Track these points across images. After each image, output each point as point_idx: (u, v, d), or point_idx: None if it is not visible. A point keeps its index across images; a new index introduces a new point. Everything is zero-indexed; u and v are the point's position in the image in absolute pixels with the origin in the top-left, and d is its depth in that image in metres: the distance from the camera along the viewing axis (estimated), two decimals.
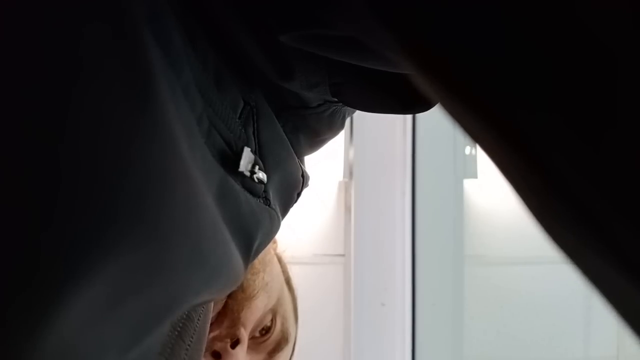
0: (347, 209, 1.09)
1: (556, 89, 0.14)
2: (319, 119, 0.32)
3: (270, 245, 0.61)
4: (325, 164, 1.10)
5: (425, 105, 0.30)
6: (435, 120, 1.10)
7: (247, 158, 0.27)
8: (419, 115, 1.08)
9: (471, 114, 0.16)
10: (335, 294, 1.09)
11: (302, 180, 0.34)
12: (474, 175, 1.16)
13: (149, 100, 0.20)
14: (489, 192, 1.19)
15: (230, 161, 0.27)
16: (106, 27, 0.19)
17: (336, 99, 0.31)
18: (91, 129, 0.18)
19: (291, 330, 0.61)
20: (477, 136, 0.17)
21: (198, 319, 0.29)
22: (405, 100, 0.30)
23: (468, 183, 1.16)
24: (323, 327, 1.09)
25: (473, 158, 1.16)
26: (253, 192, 0.28)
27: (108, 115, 0.18)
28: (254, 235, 0.29)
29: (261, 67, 0.28)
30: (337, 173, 1.11)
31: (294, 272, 1.15)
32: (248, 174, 0.27)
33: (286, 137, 0.31)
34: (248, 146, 0.27)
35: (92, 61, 0.18)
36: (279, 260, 0.62)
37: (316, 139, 0.34)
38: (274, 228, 0.32)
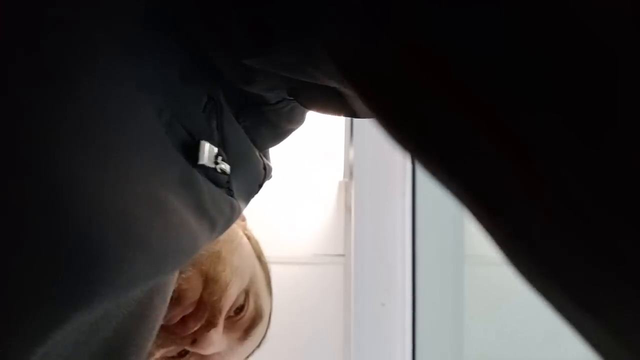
0: (347, 209, 1.09)
1: (556, 88, 0.14)
2: (279, 114, 0.34)
3: (238, 226, 0.62)
4: (325, 164, 1.11)
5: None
6: None
7: (206, 151, 0.28)
8: None
9: (471, 113, 0.16)
10: (335, 294, 1.09)
11: (264, 173, 0.36)
12: None
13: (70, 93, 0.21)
14: None
15: (192, 153, 0.28)
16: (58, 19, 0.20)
17: (293, 98, 0.32)
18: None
19: (265, 305, 0.62)
20: (475, 138, 0.17)
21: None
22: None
23: None
24: (323, 327, 1.09)
25: None
26: (217, 183, 0.30)
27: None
28: (216, 222, 0.31)
29: (224, 72, 0.29)
30: (337, 173, 1.11)
31: (294, 271, 1.15)
32: (212, 165, 0.28)
33: (247, 132, 0.32)
34: (212, 138, 0.28)
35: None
36: (249, 238, 0.63)
37: (278, 132, 0.35)
38: (234, 217, 0.33)
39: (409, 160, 1.08)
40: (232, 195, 0.32)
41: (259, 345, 0.64)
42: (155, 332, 0.34)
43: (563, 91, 0.14)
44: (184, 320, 0.54)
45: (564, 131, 0.14)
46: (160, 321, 0.35)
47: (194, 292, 0.54)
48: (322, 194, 1.11)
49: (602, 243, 0.15)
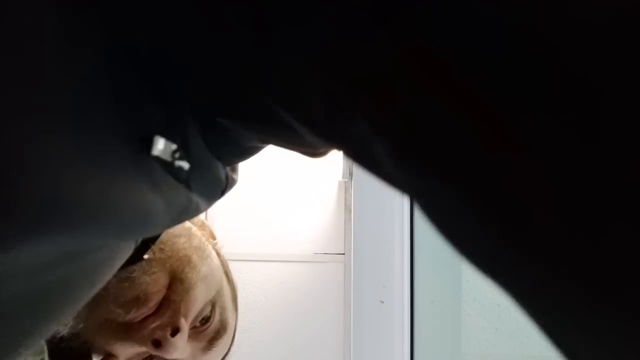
0: (347, 209, 1.10)
1: (555, 89, 0.14)
2: (245, 136, 0.33)
3: (208, 242, 0.64)
4: (325, 164, 1.11)
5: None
6: None
7: (161, 145, 0.28)
8: None
9: (471, 113, 0.16)
10: (335, 292, 1.10)
11: (225, 182, 0.36)
12: None
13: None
14: None
15: (147, 145, 0.28)
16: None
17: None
18: None
19: (230, 320, 0.63)
20: (475, 138, 0.17)
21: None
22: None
23: None
24: (323, 324, 1.10)
25: None
26: (175, 177, 0.30)
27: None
28: (171, 205, 0.31)
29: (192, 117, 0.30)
30: (337, 173, 1.12)
31: (295, 270, 1.16)
32: (169, 159, 0.29)
33: (212, 146, 0.32)
34: (171, 139, 0.29)
35: None
36: (218, 254, 0.65)
37: (242, 150, 0.35)
38: (190, 209, 0.33)
39: None
40: (189, 189, 0.32)
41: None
42: (67, 313, 0.35)
43: (562, 92, 0.14)
44: (146, 319, 0.55)
45: (563, 132, 0.14)
46: (77, 305, 0.36)
47: (159, 293, 0.55)
48: (322, 193, 1.11)
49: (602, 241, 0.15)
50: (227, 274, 0.65)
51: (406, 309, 1.06)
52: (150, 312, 0.55)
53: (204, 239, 0.63)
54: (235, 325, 0.65)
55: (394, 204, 1.07)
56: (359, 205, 1.07)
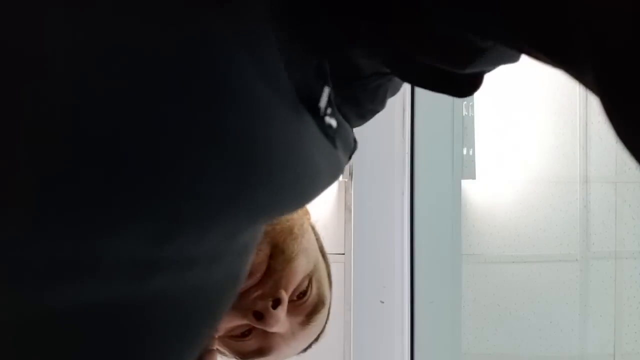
0: (347, 208, 1.09)
1: None
2: (365, 90, 0.33)
3: (304, 217, 0.63)
4: None
5: (473, 91, 0.31)
6: (434, 122, 1.10)
7: (325, 96, 0.28)
8: (418, 116, 1.09)
9: None
10: (335, 292, 1.10)
11: (353, 144, 0.36)
12: (472, 176, 1.17)
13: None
14: (487, 193, 1.20)
15: (312, 103, 0.28)
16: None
17: (388, 71, 0.32)
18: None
19: (327, 293, 0.63)
20: None
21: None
22: (457, 85, 0.31)
23: (466, 183, 1.17)
24: None
25: (471, 159, 1.16)
26: (325, 134, 0.30)
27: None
28: (328, 168, 0.31)
29: (330, 33, 0.28)
30: None
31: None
32: (323, 114, 0.28)
33: (339, 108, 0.32)
34: (317, 93, 0.28)
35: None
36: (313, 229, 0.64)
37: (361, 111, 0.35)
38: (339, 171, 0.33)
39: (407, 161, 1.08)
40: (337, 149, 0.31)
41: (317, 339, 0.64)
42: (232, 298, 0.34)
43: None
44: (248, 290, 0.54)
45: None
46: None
47: (263, 264, 0.55)
48: (323, 193, 1.11)
49: None
50: (322, 248, 0.65)
51: (406, 309, 1.06)
52: (254, 283, 0.54)
53: (301, 212, 0.62)
54: (331, 301, 0.65)
55: (393, 204, 1.07)
56: (359, 205, 1.07)
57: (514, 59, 0.29)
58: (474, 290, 1.18)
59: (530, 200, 1.22)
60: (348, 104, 0.33)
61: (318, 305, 0.60)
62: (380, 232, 1.07)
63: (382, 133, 1.08)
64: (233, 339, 0.57)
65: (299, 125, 0.27)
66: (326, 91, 0.28)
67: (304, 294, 0.59)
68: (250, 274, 0.53)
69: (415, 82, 0.33)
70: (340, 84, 0.31)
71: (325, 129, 0.29)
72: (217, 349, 0.59)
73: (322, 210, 1.11)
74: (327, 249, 1.14)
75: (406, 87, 1.06)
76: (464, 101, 1.15)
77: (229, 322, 0.55)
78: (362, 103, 0.34)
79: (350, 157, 0.36)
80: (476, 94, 1.21)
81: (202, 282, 0.27)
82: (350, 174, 1.09)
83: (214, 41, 0.22)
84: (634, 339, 1.23)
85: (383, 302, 1.06)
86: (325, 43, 0.29)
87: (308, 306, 0.60)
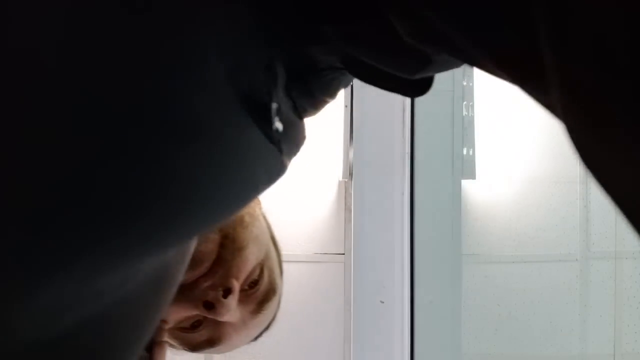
0: (347, 209, 1.10)
1: None
2: (319, 82, 0.34)
3: (255, 205, 0.63)
4: (325, 164, 1.11)
5: (422, 92, 0.32)
6: (434, 122, 1.10)
7: (264, 106, 0.28)
8: (418, 117, 1.09)
9: None
10: (336, 292, 1.10)
11: (304, 139, 0.36)
12: (472, 176, 1.17)
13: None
14: (487, 193, 1.20)
15: (258, 110, 0.28)
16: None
17: (342, 67, 0.32)
18: None
19: (278, 281, 0.62)
20: None
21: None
22: (409, 87, 0.32)
23: (466, 183, 1.17)
24: (323, 324, 1.10)
25: (471, 159, 1.16)
26: (271, 140, 0.30)
27: None
28: (270, 173, 0.31)
29: (288, 33, 0.29)
30: (337, 173, 1.11)
31: (296, 270, 1.16)
32: (268, 122, 0.29)
33: (293, 101, 0.33)
34: (267, 96, 0.28)
35: None
36: (265, 218, 0.64)
37: (314, 102, 0.36)
38: (281, 174, 0.33)
39: (407, 161, 1.08)
40: (281, 153, 0.32)
41: (267, 327, 0.64)
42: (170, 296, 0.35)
43: None
44: (197, 280, 0.54)
45: None
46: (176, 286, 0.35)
47: (212, 253, 0.54)
48: (322, 193, 1.11)
49: None
50: (273, 237, 0.64)
51: (406, 309, 1.06)
52: (203, 272, 0.54)
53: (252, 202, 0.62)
54: (282, 289, 0.64)
55: (393, 204, 1.07)
56: (359, 205, 1.07)
57: (460, 63, 0.30)
58: (473, 290, 1.18)
59: (530, 200, 1.22)
60: (303, 95, 0.33)
61: (269, 294, 0.60)
62: (380, 232, 1.07)
63: (382, 133, 1.08)
64: (183, 330, 0.57)
65: (238, 140, 0.27)
66: (275, 96, 0.29)
67: (255, 282, 0.58)
68: (199, 263, 0.53)
69: (368, 82, 0.34)
70: (295, 76, 0.31)
71: (271, 135, 0.29)
72: (167, 342, 0.58)
73: (322, 210, 1.11)
74: (327, 249, 1.15)
75: None
76: (464, 101, 1.15)
77: (179, 314, 0.54)
78: (316, 94, 0.34)
79: (297, 153, 0.36)
80: (476, 94, 1.21)
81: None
82: (350, 174, 1.09)
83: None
84: (634, 339, 1.23)
85: (383, 302, 1.06)
86: (283, 42, 0.29)
87: (259, 295, 0.59)
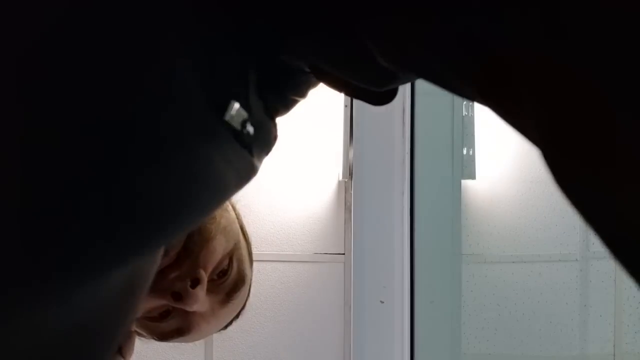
0: (347, 209, 1.09)
1: None
2: (291, 84, 0.34)
3: None
4: (325, 164, 1.11)
5: (387, 101, 0.33)
6: (434, 122, 1.10)
7: (235, 110, 0.28)
8: (418, 117, 1.09)
9: None
10: (336, 292, 1.10)
11: (274, 142, 0.37)
12: (472, 176, 1.17)
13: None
14: (487, 193, 1.20)
15: (220, 109, 0.28)
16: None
17: (310, 71, 0.33)
18: None
19: (247, 272, 0.63)
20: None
21: None
22: (375, 96, 0.33)
23: (466, 183, 1.17)
24: (323, 324, 1.10)
25: (471, 159, 1.16)
26: (241, 143, 0.30)
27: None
28: (239, 175, 0.32)
29: (263, 39, 0.29)
30: (337, 173, 1.11)
31: (295, 270, 1.16)
32: (239, 127, 0.29)
33: (265, 102, 0.33)
34: (238, 101, 0.29)
35: None
36: (233, 208, 0.64)
37: (285, 103, 0.36)
38: (251, 175, 0.33)
39: (407, 161, 1.08)
40: (252, 156, 0.32)
41: (237, 316, 0.64)
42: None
43: None
44: (164, 270, 0.54)
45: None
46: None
47: (178, 242, 0.54)
48: (322, 193, 1.11)
49: None
50: (242, 227, 0.64)
51: (406, 309, 1.06)
52: (169, 262, 0.54)
53: None
54: (251, 279, 0.65)
55: (393, 204, 1.07)
56: (359, 206, 1.07)
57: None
58: (473, 290, 1.18)
59: (530, 200, 1.22)
60: (274, 96, 0.34)
61: (238, 283, 0.60)
62: (380, 232, 1.06)
63: (382, 133, 1.08)
64: (151, 320, 0.57)
65: (208, 147, 0.28)
66: (246, 101, 0.29)
67: (224, 273, 0.59)
68: (166, 253, 0.53)
69: (334, 88, 0.34)
70: (266, 79, 0.31)
71: (243, 138, 0.30)
72: (135, 331, 0.58)
73: (322, 210, 1.11)
74: (327, 249, 1.14)
75: (406, 87, 1.06)
76: (464, 101, 1.15)
77: (147, 304, 0.54)
78: (287, 95, 0.35)
79: (267, 154, 0.37)
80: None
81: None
82: (350, 174, 1.09)
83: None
84: (634, 339, 1.23)
85: (383, 302, 1.06)
86: (254, 49, 0.30)
87: (228, 285, 0.59)
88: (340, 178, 1.11)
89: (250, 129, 0.30)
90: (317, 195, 1.11)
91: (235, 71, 0.29)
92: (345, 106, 1.09)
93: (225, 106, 0.28)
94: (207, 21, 0.27)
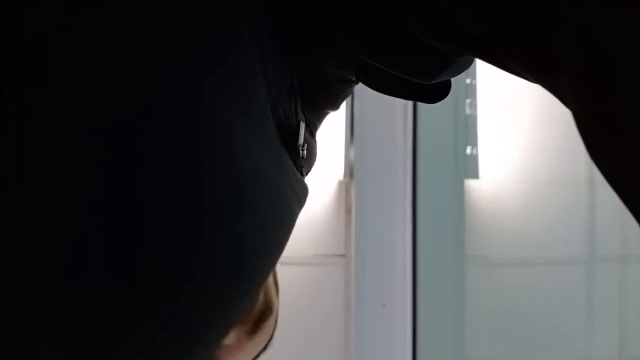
0: (348, 209, 1.09)
1: None
2: (327, 96, 0.33)
3: None
4: (325, 164, 1.11)
5: (441, 97, 0.32)
6: (436, 121, 1.10)
7: (302, 132, 0.28)
8: (420, 115, 1.09)
9: None
10: (336, 294, 1.10)
11: (316, 158, 0.36)
12: (475, 176, 1.16)
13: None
14: (490, 193, 1.19)
15: (287, 136, 0.27)
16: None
17: (354, 79, 0.32)
18: None
19: (274, 299, 0.62)
20: None
21: None
22: (429, 93, 0.32)
23: (469, 183, 1.16)
24: (323, 328, 1.10)
25: (474, 158, 1.16)
26: (296, 165, 0.30)
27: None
28: (300, 201, 0.31)
29: (307, 45, 0.28)
30: (338, 173, 1.11)
31: (295, 272, 1.15)
32: (300, 153, 0.28)
33: (304, 115, 0.32)
34: (300, 127, 0.28)
35: None
36: None
37: (318, 114, 0.35)
38: (306, 198, 0.33)
39: (409, 160, 1.08)
40: (304, 177, 0.32)
41: (265, 348, 0.63)
42: None
43: None
44: None
45: None
46: None
47: None
48: (322, 194, 1.11)
49: None
50: None
51: (408, 313, 1.06)
52: None
53: None
54: (278, 308, 0.64)
55: (395, 205, 1.06)
56: (360, 206, 1.07)
57: (469, 65, 0.30)
58: (477, 293, 1.17)
59: (535, 201, 1.21)
60: (311, 111, 0.33)
61: (265, 312, 0.60)
62: (381, 234, 1.06)
63: (384, 132, 1.08)
64: None
65: (279, 173, 0.27)
66: (302, 125, 0.28)
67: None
68: None
69: (384, 91, 0.33)
70: (307, 93, 0.31)
71: (299, 162, 0.29)
72: None
73: (322, 211, 1.10)
74: (327, 250, 1.14)
75: None
76: (467, 100, 1.15)
77: None
78: (321, 108, 0.34)
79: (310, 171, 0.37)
80: (479, 92, 1.19)
81: None
82: (351, 174, 1.09)
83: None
84: None
85: (384, 305, 1.05)
86: (299, 57, 0.29)
87: (255, 314, 0.59)
88: (341, 178, 1.11)
89: (304, 152, 0.29)
90: (318, 196, 1.10)
91: (287, 86, 0.28)
92: (346, 105, 1.09)
93: (297, 132, 0.27)
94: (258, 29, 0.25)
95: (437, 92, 0.32)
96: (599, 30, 0.17)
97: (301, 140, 0.28)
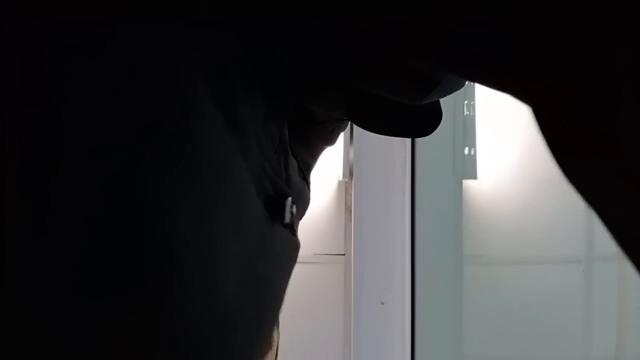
0: (347, 209, 1.09)
1: None
2: (321, 134, 0.33)
3: None
4: (325, 164, 1.11)
5: (434, 128, 0.32)
6: None
7: (288, 208, 0.27)
8: None
9: None
10: (336, 293, 1.09)
11: (309, 203, 0.35)
12: (474, 176, 1.16)
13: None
14: (489, 193, 1.19)
15: (277, 210, 0.27)
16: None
17: (343, 117, 0.31)
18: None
19: (274, 335, 0.61)
20: None
21: None
22: (410, 126, 0.32)
23: (467, 183, 1.16)
24: (323, 326, 1.09)
25: (472, 159, 1.16)
26: (284, 225, 0.29)
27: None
28: (289, 269, 0.31)
29: (294, 91, 0.28)
30: (337, 173, 1.11)
31: (295, 271, 1.15)
32: (289, 219, 0.28)
33: (296, 157, 0.31)
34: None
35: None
36: None
37: (313, 151, 0.35)
38: (296, 257, 0.32)
39: (408, 160, 1.08)
40: (294, 235, 0.31)
41: None
42: None
43: None
44: None
45: None
46: None
47: None
48: (322, 194, 1.11)
49: None
50: None
51: (407, 311, 1.06)
52: None
53: None
54: (278, 342, 0.63)
55: (394, 204, 1.06)
56: (359, 206, 1.07)
57: (460, 85, 0.30)
58: (476, 291, 1.17)
59: (533, 200, 1.21)
60: (304, 150, 0.32)
61: (264, 349, 0.59)
62: (380, 233, 1.06)
63: None
64: None
65: (270, 242, 0.27)
66: (288, 201, 0.28)
67: None
68: None
69: (371, 128, 0.33)
70: (298, 134, 0.30)
71: (286, 224, 0.29)
72: None
73: (322, 210, 1.10)
74: (327, 249, 1.14)
75: None
76: (465, 100, 1.15)
77: None
78: (315, 144, 0.34)
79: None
80: (478, 93, 1.20)
81: None
82: (351, 174, 1.09)
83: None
84: (639, 342, 1.22)
85: (383, 304, 1.05)
86: (289, 112, 0.28)
87: None
88: (341, 178, 1.11)
89: (294, 209, 0.28)
90: (317, 195, 1.10)
91: (274, 144, 0.27)
92: None
93: (283, 207, 0.27)
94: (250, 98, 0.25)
95: (428, 124, 0.32)
96: None
97: (287, 216, 0.27)
